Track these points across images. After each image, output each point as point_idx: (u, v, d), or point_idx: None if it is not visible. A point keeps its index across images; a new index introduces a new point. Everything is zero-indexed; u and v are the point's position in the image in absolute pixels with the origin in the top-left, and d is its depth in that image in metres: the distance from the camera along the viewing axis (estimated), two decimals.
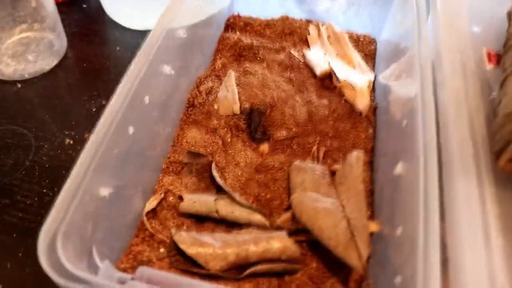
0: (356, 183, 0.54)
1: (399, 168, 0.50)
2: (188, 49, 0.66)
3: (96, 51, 0.81)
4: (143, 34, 0.62)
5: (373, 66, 0.73)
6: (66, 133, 0.69)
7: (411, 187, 0.44)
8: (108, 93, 0.71)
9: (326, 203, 0.52)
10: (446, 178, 0.45)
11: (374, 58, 0.75)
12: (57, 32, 0.78)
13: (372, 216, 0.54)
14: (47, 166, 0.65)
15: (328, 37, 0.76)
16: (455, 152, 0.47)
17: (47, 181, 0.63)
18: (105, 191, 0.46)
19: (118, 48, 0.82)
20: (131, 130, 0.50)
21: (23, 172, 0.64)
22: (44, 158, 0.66)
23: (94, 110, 0.72)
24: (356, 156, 0.57)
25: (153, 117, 0.56)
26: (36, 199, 0.61)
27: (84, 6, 0.93)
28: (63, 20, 0.81)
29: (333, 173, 0.58)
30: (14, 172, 0.64)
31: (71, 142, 0.68)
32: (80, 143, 0.67)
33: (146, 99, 0.51)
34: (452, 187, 0.44)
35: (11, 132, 0.69)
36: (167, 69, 0.55)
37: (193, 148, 0.62)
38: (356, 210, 0.51)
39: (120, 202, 0.50)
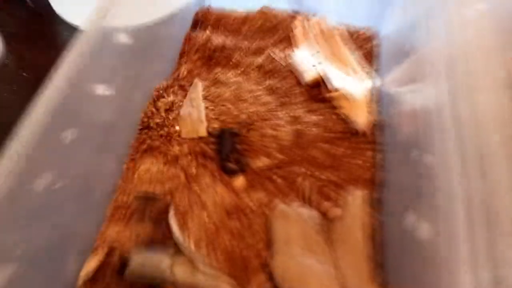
0: (355, 235, 0.41)
1: (411, 219, 0.37)
2: (139, 54, 0.51)
3: (40, 57, 0.67)
4: None
5: (374, 69, 0.59)
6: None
7: (433, 253, 0.30)
8: None
9: (315, 265, 0.39)
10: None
11: (374, 59, 0.61)
12: None
13: (376, 275, 0.41)
14: None
15: (318, 34, 0.62)
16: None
17: None
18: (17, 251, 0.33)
19: (65, 52, 0.67)
20: (47, 177, 0.36)
21: None
22: None
23: None
24: (355, 198, 0.44)
25: (85, 153, 0.42)
26: None
27: (27, 1, 0.78)
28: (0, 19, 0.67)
29: (326, 218, 0.45)
30: None
31: None
32: None
33: (68, 135, 0.37)
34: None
35: None
36: (100, 88, 0.41)
37: (147, 184, 0.48)
38: (354, 272, 0.38)
39: (46, 265, 0.37)
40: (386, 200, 0.47)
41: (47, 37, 0.72)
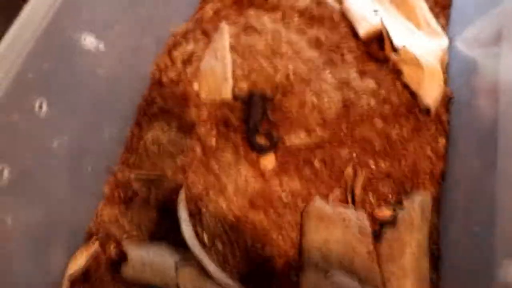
0: (409, 251, 0.31)
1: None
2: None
3: None
4: None
5: (446, 25, 0.46)
6: None
7: None
8: None
9: None
10: None
11: (447, 10, 0.48)
12: None
13: None
14: None
15: None
16: None
17: None
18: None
19: None
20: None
21: None
22: None
23: None
24: (414, 202, 0.33)
25: (79, 115, 0.32)
26: None
27: None
28: None
29: (374, 222, 0.35)
30: None
31: None
32: None
33: (43, 104, 0.28)
34: None
35: None
36: (89, 40, 0.30)
37: (155, 157, 0.39)
38: None
39: (29, 253, 0.30)
40: (449, 196, 0.37)
41: None
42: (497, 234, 0.28)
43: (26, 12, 0.27)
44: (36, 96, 0.28)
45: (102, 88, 0.37)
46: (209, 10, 0.48)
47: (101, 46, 0.32)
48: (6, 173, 0.26)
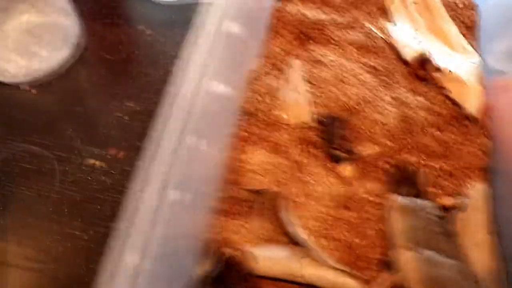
0: (479, 229, 0.40)
1: None
2: (238, 39, 0.49)
3: (121, 37, 0.65)
4: (178, 9, 0.46)
5: (475, 44, 0.56)
6: (96, 152, 0.55)
7: None
8: (140, 94, 0.57)
9: (451, 270, 0.39)
10: None
11: (476, 31, 0.57)
12: (70, 14, 0.62)
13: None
14: (77, 199, 0.52)
15: (417, 2, 0.58)
16: None
17: (80, 220, 0.51)
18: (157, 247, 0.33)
19: (148, 31, 0.65)
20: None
21: (50, 209, 0.52)
22: (72, 188, 0.53)
23: (126, 118, 0.58)
24: (481, 192, 0.43)
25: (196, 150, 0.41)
26: (69, 244, 0.50)
27: None
28: None
29: (444, 210, 0.44)
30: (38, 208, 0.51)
31: (103, 164, 0.54)
32: (114, 164, 0.54)
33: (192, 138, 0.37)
34: None
35: (28, 153, 0.56)
36: (220, 87, 0.40)
37: (258, 176, 0.48)
38: (484, 269, 0.38)
39: (167, 265, 0.38)
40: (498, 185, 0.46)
41: (122, 14, 0.68)
42: None
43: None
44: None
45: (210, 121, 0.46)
46: (274, 47, 0.57)
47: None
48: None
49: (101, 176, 0.54)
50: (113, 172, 0.54)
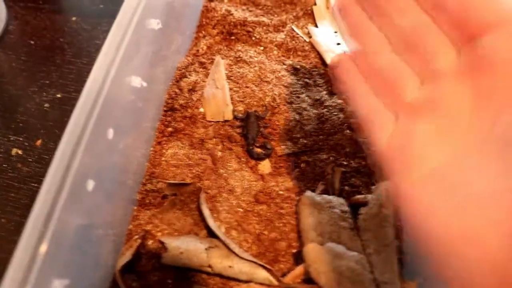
0: (386, 229, 0.43)
1: None
2: (163, 32, 0.49)
3: (45, 23, 0.64)
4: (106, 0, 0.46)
5: None
6: (12, 139, 0.54)
7: None
8: (63, 82, 0.56)
9: (350, 260, 0.41)
10: None
11: None
12: None
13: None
14: None
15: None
16: None
17: None
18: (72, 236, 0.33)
19: (74, 18, 0.64)
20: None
21: None
22: None
23: (46, 106, 0.57)
24: (381, 188, 0.45)
25: (120, 142, 0.42)
26: None
27: None
28: None
29: (353, 206, 0.47)
30: None
31: (19, 152, 0.53)
32: (31, 152, 0.53)
33: (110, 132, 0.37)
34: None
35: None
36: (136, 80, 0.40)
37: (174, 168, 0.49)
38: (387, 269, 0.41)
39: (87, 250, 0.38)
40: None
41: (50, 1, 0.67)
42: None
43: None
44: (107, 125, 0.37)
45: (135, 117, 0.46)
46: (203, 45, 0.58)
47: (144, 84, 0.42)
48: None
49: (17, 164, 0.53)
50: (30, 160, 0.53)
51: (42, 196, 0.31)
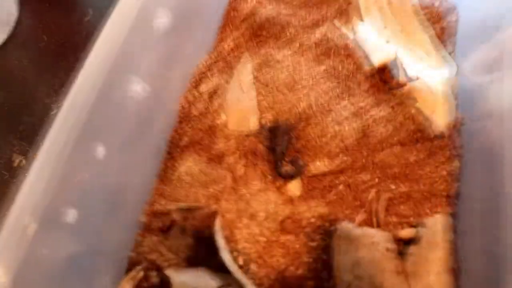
0: (433, 269, 0.34)
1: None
2: (177, 26, 0.42)
3: (59, 19, 0.59)
4: None
5: (450, 53, 0.49)
6: (16, 147, 0.49)
7: None
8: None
9: None
10: None
11: (450, 39, 0.51)
12: None
13: None
14: None
15: (384, 6, 0.52)
16: None
17: None
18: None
19: (89, 13, 0.59)
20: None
21: None
22: None
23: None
24: (436, 222, 0.36)
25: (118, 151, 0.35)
26: None
27: None
28: None
29: (400, 242, 0.38)
30: None
31: (24, 161, 0.48)
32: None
33: (100, 151, 0.30)
34: None
35: None
36: (138, 87, 0.33)
37: (188, 187, 0.42)
38: None
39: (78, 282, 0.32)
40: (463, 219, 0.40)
41: None
42: (506, 253, 0.30)
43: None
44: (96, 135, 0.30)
45: (138, 124, 0.39)
46: (229, 43, 0.51)
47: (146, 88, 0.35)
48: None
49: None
50: None
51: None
